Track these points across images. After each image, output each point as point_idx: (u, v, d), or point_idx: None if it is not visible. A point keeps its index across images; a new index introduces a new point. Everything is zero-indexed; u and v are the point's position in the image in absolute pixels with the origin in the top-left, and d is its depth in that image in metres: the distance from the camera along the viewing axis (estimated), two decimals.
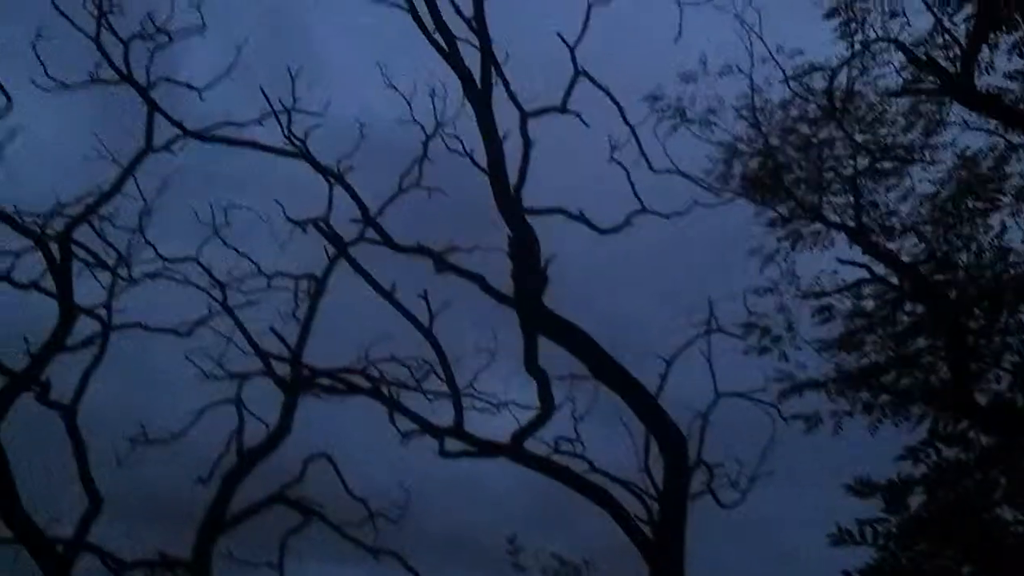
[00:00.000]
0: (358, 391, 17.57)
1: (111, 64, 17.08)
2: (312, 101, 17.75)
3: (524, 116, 16.42)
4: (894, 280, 13.49)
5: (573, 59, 16.57)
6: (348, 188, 17.55)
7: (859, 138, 14.22)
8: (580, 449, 16.91)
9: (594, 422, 17.02)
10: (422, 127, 17.74)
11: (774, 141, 14.80)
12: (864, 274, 13.71)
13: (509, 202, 15.63)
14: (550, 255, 15.67)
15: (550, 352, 15.82)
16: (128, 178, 17.65)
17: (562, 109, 16.78)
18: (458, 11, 15.58)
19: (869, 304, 13.58)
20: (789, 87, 14.35)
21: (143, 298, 18.52)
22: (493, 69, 15.72)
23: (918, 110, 13.78)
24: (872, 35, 13.01)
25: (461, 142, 16.89)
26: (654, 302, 18.91)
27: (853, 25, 12.93)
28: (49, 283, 17.26)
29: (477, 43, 15.58)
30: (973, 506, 9.40)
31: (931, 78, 12.61)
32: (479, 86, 15.57)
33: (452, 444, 16.66)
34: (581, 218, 16.97)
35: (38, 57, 16.63)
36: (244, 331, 18.32)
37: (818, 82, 14.14)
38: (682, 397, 16.58)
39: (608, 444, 16.93)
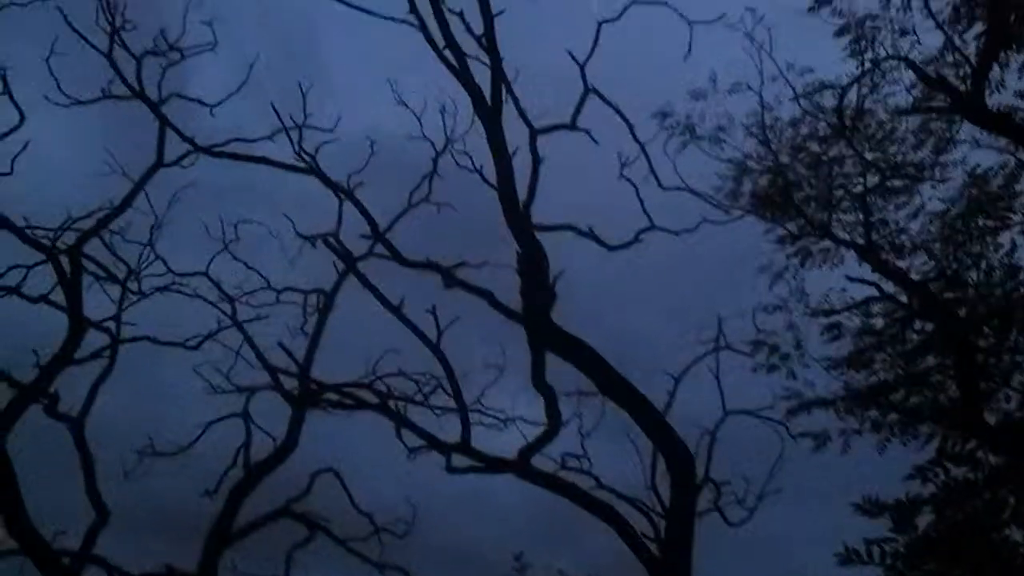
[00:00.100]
0: (365, 406, 17.55)
1: (123, 80, 17.21)
2: (323, 117, 17.87)
3: (534, 133, 16.46)
4: (903, 298, 13.47)
5: (583, 76, 16.63)
6: (358, 204, 17.60)
7: (869, 156, 14.22)
8: (587, 466, 16.89)
9: (601, 439, 17.00)
10: (432, 143, 17.82)
11: (784, 159, 14.80)
12: (873, 292, 13.69)
13: (518, 218, 15.64)
14: (559, 271, 15.66)
15: (558, 368, 15.80)
16: (139, 193, 17.70)
17: (572, 126, 16.82)
18: (468, 29, 15.64)
19: (878, 322, 13.56)
20: (799, 105, 14.39)
21: (152, 311, 18.55)
22: (503, 86, 15.77)
23: (928, 128, 13.79)
24: (882, 53, 13.05)
25: (471, 158, 16.97)
26: (663, 319, 18.91)
27: (863, 43, 12.97)
28: (59, 296, 17.29)
29: (487, 60, 15.63)
30: (982, 526, 9.32)
31: (941, 96, 12.63)
32: (489, 103, 15.60)
33: (459, 460, 16.62)
34: (590, 234, 16.97)
35: (52, 73, 16.78)
36: (253, 345, 18.35)
37: (828, 100, 14.19)
38: (690, 414, 16.55)
39: (615, 461, 16.89)
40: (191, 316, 18.70)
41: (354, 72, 20.04)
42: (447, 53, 15.57)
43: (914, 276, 13.49)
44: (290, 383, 18.31)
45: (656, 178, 16.82)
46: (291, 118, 17.59)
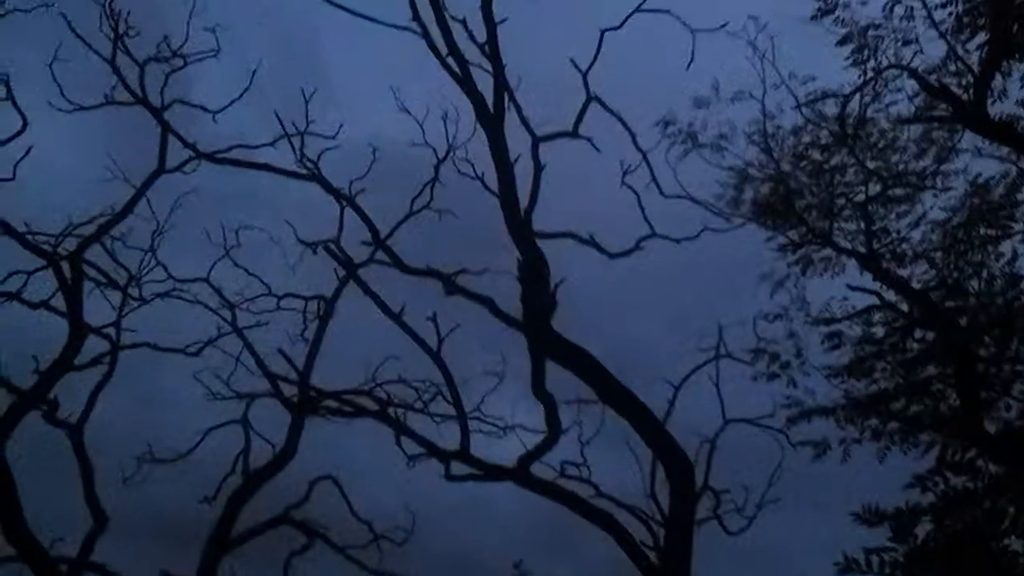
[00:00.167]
0: (365, 413, 17.52)
1: (126, 86, 17.21)
2: (325, 124, 17.90)
3: (536, 140, 16.47)
4: (904, 307, 13.47)
5: (585, 84, 16.62)
6: (359, 210, 17.61)
7: (871, 165, 14.24)
8: (586, 474, 16.91)
9: (601, 446, 17.00)
10: (434, 150, 17.79)
11: (786, 167, 14.81)
12: (874, 300, 13.69)
13: (519, 225, 15.63)
14: (560, 279, 15.63)
15: (558, 376, 15.78)
16: (141, 198, 17.69)
17: (574, 134, 16.82)
18: (471, 36, 15.67)
19: (879, 331, 13.57)
20: (801, 113, 14.39)
21: (153, 318, 18.56)
22: (505, 94, 15.78)
23: (930, 137, 13.81)
24: (885, 62, 13.03)
25: (472, 166, 17.02)
26: (663, 327, 18.92)
27: (866, 52, 12.96)
28: (60, 302, 17.29)
29: (490, 68, 15.64)
30: (982, 535, 9.27)
31: (943, 105, 12.60)
32: (491, 111, 15.61)
33: (458, 467, 16.59)
34: (591, 242, 16.97)
35: (55, 79, 16.77)
36: (253, 352, 18.39)
37: (830, 108, 14.22)
38: (690, 422, 16.54)
39: (615, 469, 16.87)
40: (191, 322, 18.76)
41: (356, 79, 20.10)
42: (450, 60, 15.58)
43: (915, 285, 13.48)
44: (290, 390, 18.33)
45: (658, 186, 16.86)
46: (293, 125, 17.69)
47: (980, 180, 13.15)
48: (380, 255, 17.65)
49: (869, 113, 13.91)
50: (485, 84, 15.64)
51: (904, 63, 12.89)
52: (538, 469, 16.23)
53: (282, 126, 17.56)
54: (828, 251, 14.48)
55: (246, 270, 18.73)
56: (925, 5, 12.10)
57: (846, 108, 13.81)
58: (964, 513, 9.41)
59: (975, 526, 9.30)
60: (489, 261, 16.75)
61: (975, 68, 12.01)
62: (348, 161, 17.96)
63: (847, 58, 13.05)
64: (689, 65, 15.98)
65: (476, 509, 18.65)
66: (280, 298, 18.92)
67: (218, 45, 17.35)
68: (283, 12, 19.10)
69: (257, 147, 17.97)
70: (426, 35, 15.59)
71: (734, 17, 15.22)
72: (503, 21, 15.51)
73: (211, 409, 18.37)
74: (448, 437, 16.88)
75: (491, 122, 15.64)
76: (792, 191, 14.63)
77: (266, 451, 18.28)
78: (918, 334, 13.16)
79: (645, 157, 16.79)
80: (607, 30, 16.21)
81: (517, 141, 16.02)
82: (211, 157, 17.86)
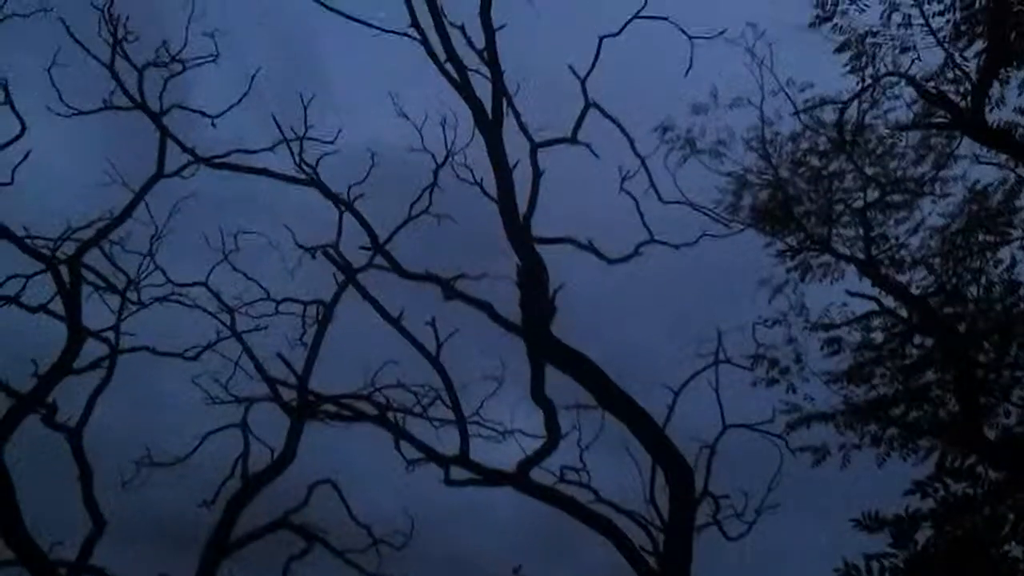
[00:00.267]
0: (364, 418, 17.53)
1: (125, 91, 17.22)
2: (323, 129, 17.91)
3: (534, 146, 16.51)
4: (903, 313, 13.51)
5: (584, 91, 16.67)
6: (358, 215, 17.62)
7: (869, 171, 14.30)
8: (586, 479, 16.90)
9: (600, 451, 16.99)
10: (432, 155, 17.82)
11: (784, 173, 14.88)
12: (873, 306, 13.75)
13: (518, 231, 15.66)
14: (559, 284, 15.69)
15: (557, 381, 15.81)
16: (140, 203, 17.68)
17: (572, 140, 16.85)
18: (470, 42, 15.71)
19: (878, 337, 13.61)
20: (799, 120, 14.44)
21: (151, 322, 18.55)
22: (504, 100, 15.82)
23: (928, 144, 13.87)
24: (883, 69, 13.06)
25: (471, 171, 17.06)
26: (662, 332, 18.93)
27: (864, 59, 12.98)
28: (58, 306, 17.28)
29: (488, 74, 15.68)
30: (981, 542, 9.30)
31: (942, 112, 12.64)
32: (490, 116, 15.65)
33: (457, 472, 16.60)
34: (590, 247, 16.98)
35: (53, 83, 16.79)
36: (251, 356, 18.37)
37: (828, 115, 14.28)
38: (689, 428, 16.52)
39: (614, 474, 16.87)
40: (190, 326, 18.73)
41: (355, 84, 20.08)
42: (448, 66, 15.63)
43: (914, 291, 13.54)
44: (289, 394, 18.31)
45: (656, 192, 16.90)
46: (292, 130, 17.71)
47: (978, 186, 13.24)
48: (379, 260, 17.67)
49: (867, 120, 13.99)
50: (484, 90, 15.74)
51: (902, 70, 12.94)
52: (537, 474, 16.28)
53: (281, 131, 17.62)
54: (827, 257, 14.54)
55: (245, 274, 18.74)
56: (923, 13, 12.14)
57: (844, 115, 13.87)
58: (964, 519, 9.45)
59: (975, 532, 9.33)
60: (488, 266, 16.80)
61: (973, 75, 12.06)
62: (347, 166, 18.00)
63: (845, 65, 13.10)
64: (688, 72, 16.07)
65: (475, 514, 18.65)
66: (279, 302, 18.92)
67: (217, 50, 17.41)
68: (282, 17, 19.13)
69: (256, 152, 18.01)
70: (425, 41, 15.65)
71: (732, 24, 15.31)
72: (501, 27, 15.57)
73: (210, 413, 18.39)
74: (447, 442, 16.92)
75: (490, 128, 15.68)
76: (791, 197, 14.69)
77: (265, 455, 18.24)
78: (917, 340, 13.22)
79: (644, 163, 16.84)
80: (606, 37, 16.28)
81: (516, 147, 16.09)
82: (210, 162, 17.85)
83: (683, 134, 15.65)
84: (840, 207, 14.58)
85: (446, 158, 17.70)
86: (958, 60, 12.16)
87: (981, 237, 12.98)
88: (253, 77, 17.58)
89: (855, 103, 13.66)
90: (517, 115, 16.31)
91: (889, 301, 13.67)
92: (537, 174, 16.30)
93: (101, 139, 18.06)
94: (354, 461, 18.79)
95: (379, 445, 17.37)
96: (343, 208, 17.93)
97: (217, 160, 17.86)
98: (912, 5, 12.18)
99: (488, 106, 15.65)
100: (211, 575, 17.23)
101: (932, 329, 12.88)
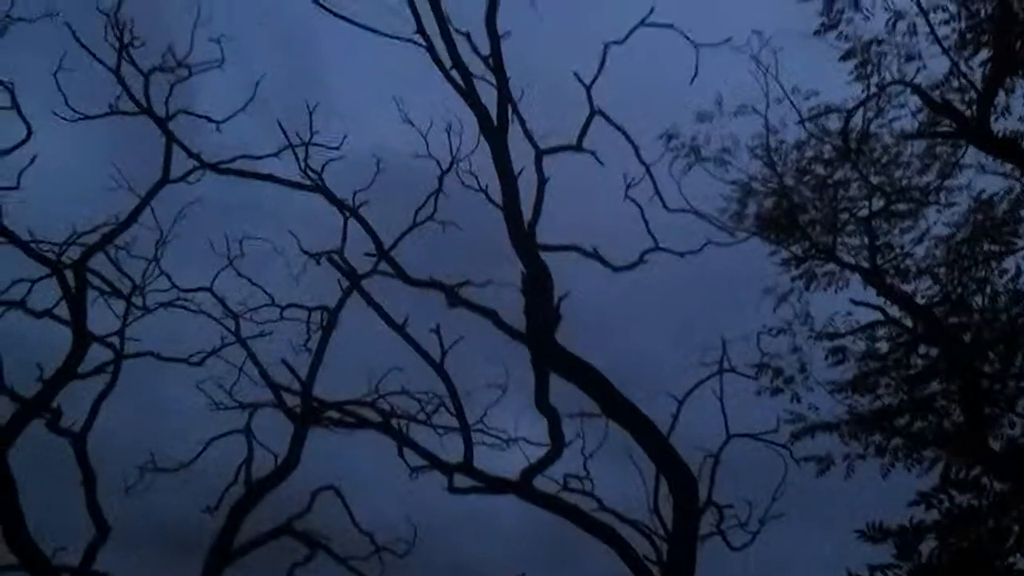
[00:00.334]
0: (368, 425, 17.52)
1: (131, 96, 17.22)
2: (329, 135, 17.89)
3: (539, 153, 16.49)
4: (908, 322, 13.47)
5: (589, 98, 16.65)
6: (362, 221, 17.61)
7: (874, 179, 14.25)
8: (589, 487, 16.89)
9: (604, 460, 16.97)
10: (438, 162, 17.81)
11: (789, 181, 14.83)
12: (878, 316, 13.71)
13: (523, 238, 15.66)
14: (563, 292, 15.70)
15: (561, 388, 15.79)
16: (145, 208, 17.71)
17: (577, 147, 16.83)
18: (475, 49, 15.70)
19: (883, 346, 13.56)
20: (804, 128, 14.40)
21: (156, 327, 18.57)
22: (509, 106, 15.80)
23: (934, 153, 13.82)
24: (888, 77, 13.06)
25: (476, 178, 17.06)
26: (667, 340, 18.89)
27: (869, 67, 12.99)
28: (64, 311, 17.30)
29: (494, 81, 15.68)
30: (986, 554, 9.26)
31: (947, 121, 12.62)
32: (495, 123, 15.64)
33: (461, 480, 16.58)
34: (595, 255, 16.96)
35: (59, 88, 16.83)
36: (256, 362, 18.39)
37: (834, 123, 14.23)
38: (693, 437, 16.49)
39: (618, 482, 16.84)
40: (195, 332, 18.74)
41: (360, 90, 20.08)
42: (454, 73, 15.61)
43: (919, 300, 13.48)
44: (292, 400, 18.32)
45: (661, 199, 16.88)
46: (297, 135, 17.71)
47: (984, 196, 13.18)
48: (383, 266, 17.66)
49: (872, 128, 13.95)
50: (489, 97, 15.73)
51: (907, 79, 12.93)
52: (541, 482, 16.26)
53: (286, 137, 17.63)
54: (832, 266, 14.50)
55: (250, 280, 18.75)
56: (928, 21, 12.13)
57: (849, 123, 13.84)
58: (969, 531, 9.41)
59: (980, 544, 9.29)
60: (492, 273, 16.80)
61: (978, 84, 12.03)
62: (352, 172, 18.00)
63: (850, 73, 13.11)
64: (693, 79, 16.02)
65: (478, 522, 18.64)
66: (283, 308, 18.93)
67: (223, 56, 17.40)
68: (288, 23, 19.16)
69: (261, 158, 18.01)
70: (430, 47, 15.63)
71: (738, 32, 15.29)
72: (507, 34, 15.56)
73: (214, 419, 18.39)
74: (451, 449, 16.91)
75: (495, 134, 15.68)
76: (795, 205, 14.65)
77: (268, 461, 18.27)
78: (922, 350, 13.16)
79: (648, 170, 16.82)
80: (611, 44, 16.27)
81: (521, 154, 16.10)
82: (215, 167, 17.86)
83: (688, 142, 15.62)
84: (845, 216, 14.53)
85: (451, 165, 17.71)
86: (964, 69, 12.16)
87: (986, 247, 12.92)
88: (258, 83, 17.61)
89: (860, 111, 13.64)
90: (522, 122, 16.29)
91: (894, 311, 13.64)
92: (542, 181, 16.29)
93: (107, 144, 18.08)
94: (357, 468, 18.79)
95: (383, 452, 17.40)
96: (348, 214, 17.92)
97: (222, 166, 17.87)
98: (918, 14, 12.19)
99: (493, 113, 15.66)
100: None
101: (937, 339, 12.83)
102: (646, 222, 17.05)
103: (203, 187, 18.00)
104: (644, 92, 17.67)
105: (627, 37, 16.27)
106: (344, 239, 18.09)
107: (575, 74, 16.48)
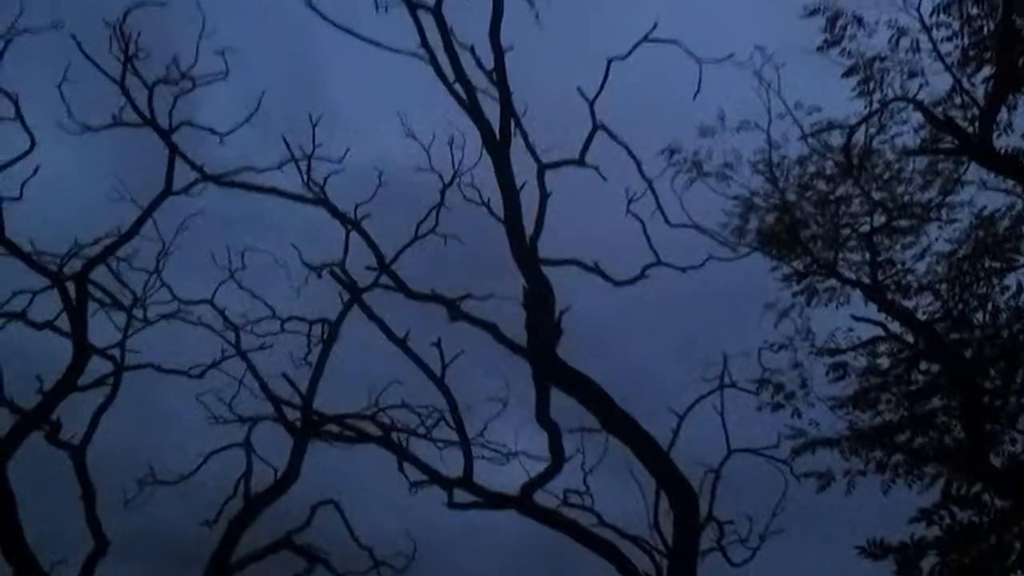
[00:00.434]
0: (368, 439, 17.48)
1: (135, 108, 17.20)
2: (331, 148, 17.87)
3: (542, 168, 16.49)
4: (909, 338, 13.47)
5: (592, 113, 16.63)
6: (364, 234, 17.61)
7: (876, 195, 14.28)
8: (589, 502, 16.77)
9: (604, 475, 16.88)
10: (440, 176, 17.79)
11: (791, 197, 14.87)
12: (879, 332, 13.72)
13: (525, 252, 15.65)
14: (565, 306, 15.66)
15: (562, 403, 15.76)
16: (147, 220, 17.69)
17: (580, 162, 16.83)
18: (479, 64, 15.72)
19: (884, 362, 13.57)
20: (807, 143, 14.44)
21: (157, 339, 18.55)
22: (512, 121, 15.81)
23: (936, 169, 13.86)
24: (890, 94, 13.10)
25: (478, 191, 17.05)
26: (668, 355, 18.85)
27: (872, 84, 13.03)
28: (64, 323, 17.29)
29: (497, 95, 15.69)
30: (987, 570, 9.24)
31: (949, 138, 12.64)
32: (498, 137, 15.65)
33: (461, 495, 16.53)
34: (596, 270, 16.92)
35: (63, 99, 16.84)
36: (256, 375, 18.34)
37: (836, 139, 14.27)
38: (694, 452, 16.42)
39: (618, 498, 16.75)
40: (195, 344, 18.70)
41: (363, 104, 20.11)
42: (457, 87, 15.63)
43: (920, 316, 13.49)
44: (293, 414, 18.26)
45: (663, 214, 16.84)
46: (300, 148, 17.68)
47: (985, 212, 13.21)
48: (385, 279, 17.62)
49: (874, 144, 13.99)
50: (492, 111, 15.72)
51: (910, 95, 12.97)
52: (540, 497, 16.19)
53: (289, 150, 17.61)
54: (833, 281, 14.52)
55: (251, 293, 18.70)
56: (931, 38, 12.19)
57: (851, 139, 13.87)
58: (970, 548, 9.40)
59: (981, 561, 9.28)
60: (494, 287, 16.78)
61: (981, 101, 12.06)
62: (354, 185, 17.98)
63: (853, 89, 13.16)
64: (696, 95, 16.00)
65: (478, 536, 18.53)
66: (284, 321, 18.88)
67: (227, 68, 17.39)
68: (292, 36, 19.17)
69: (264, 170, 17.95)
70: (433, 61, 15.63)
71: (741, 48, 15.30)
72: (510, 49, 15.57)
73: (213, 432, 18.32)
74: (451, 463, 16.85)
75: (497, 148, 15.68)
76: (797, 221, 14.68)
77: (268, 475, 18.17)
78: (923, 366, 13.16)
79: (651, 185, 16.78)
80: (614, 59, 16.27)
81: (523, 168, 16.10)
82: (218, 180, 17.83)
83: (690, 157, 15.67)
84: (847, 231, 14.56)
85: (453, 178, 17.69)
86: (966, 86, 12.21)
87: (988, 263, 12.94)
88: (262, 96, 17.60)
89: (862, 127, 13.68)
90: (525, 136, 16.30)
91: (895, 326, 13.64)
92: (544, 195, 16.29)
93: (110, 155, 18.09)
94: (357, 482, 18.72)
95: (382, 466, 17.33)
96: (350, 227, 17.91)
97: (225, 178, 17.86)
98: (920, 30, 12.23)
99: (496, 127, 15.66)
100: None
101: (938, 355, 12.82)
102: (648, 237, 17.02)
103: (205, 199, 17.99)
104: (647, 107, 17.70)
105: (630, 53, 16.24)
106: (346, 252, 18.07)
107: (578, 89, 16.49)
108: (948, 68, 12.23)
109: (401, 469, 17.14)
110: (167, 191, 17.67)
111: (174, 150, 17.56)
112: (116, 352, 18.18)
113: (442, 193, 17.99)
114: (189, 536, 17.64)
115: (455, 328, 16.80)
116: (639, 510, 16.32)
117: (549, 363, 15.48)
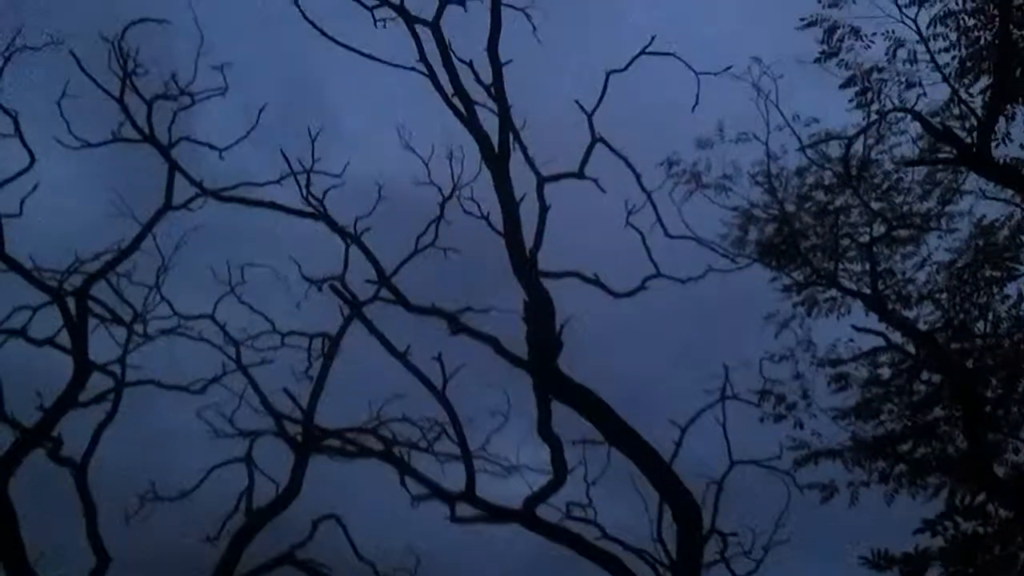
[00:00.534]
0: (369, 454, 17.45)
1: (134, 124, 17.28)
2: (331, 162, 17.91)
3: (541, 181, 16.48)
4: (910, 348, 13.48)
5: (591, 126, 16.64)
6: (364, 248, 17.59)
7: (875, 206, 14.31)
8: (592, 515, 16.73)
9: (607, 487, 16.86)
10: (439, 189, 17.80)
11: (790, 208, 14.89)
12: (880, 342, 13.73)
13: (524, 265, 15.64)
14: (565, 319, 15.62)
15: (563, 416, 15.73)
16: (147, 235, 17.73)
17: (579, 175, 16.83)
18: (477, 78, 15.74)
19: (885, 372, 13.60)
20: (805, 154, 14.46)
21: (157, 355, 18.57)
22: (511, 134, 15.82)
23: (934, 179, 13.88)
24: (888, 104, 13.12)
25: (478, 204, 17.04)
26: (669, 367, 18.85)
27: (870, 95, 13.04)
28: (65, 339, 17.29)
29: (495, 108, 15.71)
30: None
31: (947, 148, 12.66)
32: (497, 150, 15.67)
33: (463, 509, 16.48)
34: (596, 282, 16.90)
35: (62, 115, 16.91)
36: (257, 389, 18.31)
37: (834, 150, 14.30)
38: (696, 464, 16.41)
39: (620, 510, 16.74)
40: (196, 359, 18.71)
41: (363, 118, 20.17)
42: (455, 101, 15.65)
43: (921, 326, 13.50)
44: (294, 428, 18.22)
45: (663, 226, 16.84)
46: (299, 163, 17.68)
47: (985, 222, 13.22)
48: (385, 293, 17.58)
49: (873, 155, 14.03)
50: (491, 124, 15.74)
51: (908, 106, 12.99)
52: (543, 510, 16.12)
53: (288, 164, 17.61)
54: (833, 292, 14.54)
55: (251, 307, 18.73)
56: (928, 49, 12.21)
57: (850, 150, 13.90)
58: (974, 558, 9.36)
59: (986, 571, 9.25)
60: (494, 300, 16.78)
61: (979, 111, 12.08)
62: (353, 199, 17.98)
63: (851, 100, 13.17)
64: (694, 107, 16.03)
65: (481, 550, 18.41)
66: (284, 335, 18.90)
67: (226, 83, 17.49)
68: (290, 51, 19.19)
69: (263, 185, 18.01)
70: (432, 75, 15.66)
71: (738, 60, 15.32)
72: (508, 63, 15.60)
73: (215, 447, 18.29)
74: (453, 476, 16.80)
75: (496, 162, 15.69)
76: (796, 232, 14.70)
77: (270, 490, 18.13)
78: (924, 376, 13.18)
79: (650, 197, 16.78)
80: (612, 72, 16.30)
81: (522, 181, 16.09)
82: (217, 195, 17.88)
83: (689, 169, 15.71)
84: (846, 242, 14.58)
85: (452, 192, 17.68)
86: (964, 96, 12.23)
87: (988, 272, 12.97)
88: (261, 110, 17.68)
89: (861, 138, 13.73)
90: (524, 149, 16.27)
91: (896, 337, 13.66)
92: (544, 208, 16.28)
93: (109, 171, 18.13)
94: (359, 496, 18.66)
95: (384, 480, 17.27)
96: (349, 241, 17.89)
97: (224, 193, 17.90)
98: (918, 41, 12.28)
99: (495, 140, 15.69)
100: None
101: (939, 365, 12.83)
102: (647, 249, 17.02)
103: (205, 214, 18.04)
104: (645, 120, 17.74)
105: (628, 65, 16.27)
106: (345, 266, 18.03)
107: (577, 102, 16.50)
108: (946, 79, 12.26)
109: (403, 483, 17.08)
110: (167, 206, 17.74)
111: (173, 165, 17.62)
112: (117, 368, 18.19)
113: (441, 206, 18.01)
114: (191, 552, 17.59)
115: (456, 341, 16.77)
116: (642, 523, 16.32)
117: (550, 376, 15.46)
